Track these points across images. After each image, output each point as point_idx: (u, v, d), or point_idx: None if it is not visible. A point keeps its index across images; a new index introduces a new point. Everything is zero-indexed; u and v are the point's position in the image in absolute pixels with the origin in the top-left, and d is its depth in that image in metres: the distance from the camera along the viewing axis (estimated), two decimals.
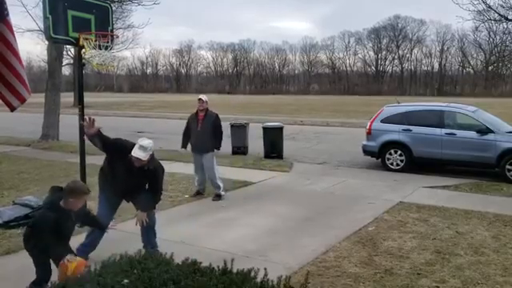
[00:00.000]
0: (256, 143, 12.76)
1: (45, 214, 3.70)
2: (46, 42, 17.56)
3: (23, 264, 4.70)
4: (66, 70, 52.18)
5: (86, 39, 5.71)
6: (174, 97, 65.75)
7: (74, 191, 3.72)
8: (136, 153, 4.42)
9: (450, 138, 9.70)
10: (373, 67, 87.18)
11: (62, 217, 3.66)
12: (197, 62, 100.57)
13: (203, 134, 7.42)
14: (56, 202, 3.73)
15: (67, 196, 3.69)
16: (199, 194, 7.76)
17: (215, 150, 7.55)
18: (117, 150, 4.65)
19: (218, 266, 2.71)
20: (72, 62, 40.20)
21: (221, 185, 7.59)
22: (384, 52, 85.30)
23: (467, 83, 77.98)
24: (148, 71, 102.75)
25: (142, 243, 4.81)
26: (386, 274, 4.49)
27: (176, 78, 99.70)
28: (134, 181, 4.64)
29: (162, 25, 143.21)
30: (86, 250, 4.62)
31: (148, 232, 4.88)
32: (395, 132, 10.30)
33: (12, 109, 5.81)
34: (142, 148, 4.43)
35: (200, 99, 7.54)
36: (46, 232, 3.56)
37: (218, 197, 7.51)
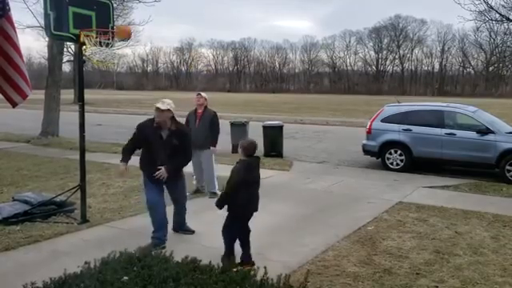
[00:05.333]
0: (256, 142, 12.74)
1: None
2: (47, 39, 17.54)
3: (22, 261, 4.71)
4: (67, 67, 52.14)
5: (87, 36, 5.69)
6: (174, 95, 65.71)
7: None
8: (157, 105, 5.00)
9: (450, 138, 9.69)
10: (373, 67, 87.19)
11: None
12: (197, 60, 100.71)
13: (201, 131, 7.40)
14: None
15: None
16: (198, 191, 7.76)
17: (211, 148, 7.53)
18: (141, 132, 5.18)
19: (218, 264, 2.71)
20: (72, 58, 40.16)
21: (216, 184, 7.59)
22: (385, 52, 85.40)
23: (468, 83, 78.01)
24: (148, 69, 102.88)
25: (174, 226, 5.59)
26: (385, 273, 4.49)
27: (176, 76, 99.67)
28: (167, 147, 5.07)
29: (162, 22, 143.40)
30: (162, 238, 5.10)
31: (181, 211, 5.61)
32: (395, 132, 10.30)
33: (14, 105, 5.79)
34: (161, 102, 5.06)
35: (198, 94, 7.59)
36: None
37: (214, 194, 7.53)
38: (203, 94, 7.71)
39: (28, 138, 14.73)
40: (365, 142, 10.88)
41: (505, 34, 21.41)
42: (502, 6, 16.43)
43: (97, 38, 5.74)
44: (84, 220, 5.97)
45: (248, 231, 4.66)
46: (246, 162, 4.59)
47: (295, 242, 5.38)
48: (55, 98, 15.07)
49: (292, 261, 4.75)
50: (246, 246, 4.63)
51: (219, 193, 7.55)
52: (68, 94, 34.55)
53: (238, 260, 4.44)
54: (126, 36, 6.12)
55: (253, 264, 4.31)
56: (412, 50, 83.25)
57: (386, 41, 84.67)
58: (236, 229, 4.62)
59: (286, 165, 10.72)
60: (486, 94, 65.64)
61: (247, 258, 4.55)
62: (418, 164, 10.13)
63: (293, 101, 48.42)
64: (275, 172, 9.83)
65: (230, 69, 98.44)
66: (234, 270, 3.69)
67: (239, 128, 12.68)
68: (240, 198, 4.44)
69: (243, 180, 4.45)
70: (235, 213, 4.57)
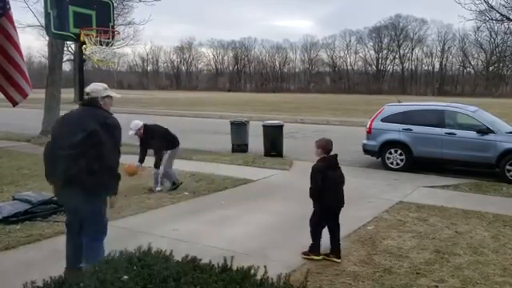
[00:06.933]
0: (256, 141, 12.76)
1: None
2: (47, 38, 17.56)
3: (22, 260, 4.71)
4: (67, 66, 52.19)
5: (87, 35, 5.70)
6: (174, 94, 65.71)
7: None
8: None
9: (451, 137, 9.69)
10: (373, 66, 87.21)
11: None
12: (197, 59, 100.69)
13: (152, 146, 7.71)
14: None
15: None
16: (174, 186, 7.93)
17: (168, 152, 7.73)
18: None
19: (218, 264, 2.70)
20: (73, 57, 40.22)
21: (159, 180, 7.79)
22: (385, 51, 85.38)
23: (468, 83, 78.01)
24: (149, 68, 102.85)
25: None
26: (385, 272, 4.49)
27: (177, 75, 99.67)
28: None
29: (163, 22, 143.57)
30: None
31: None
32: (395, 131, 10.30)
33: (14, 104, 5.79)
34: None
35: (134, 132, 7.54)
36: None
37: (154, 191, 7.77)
38: (135, 125, 7.47)
39: (28, 137, 14.73)
40: (365, 141, 10.88)
41: (505, 33, 21.47)
42: (503, 5, 16.49)
43: (97, 37, 5.75)
44: None
45: (338, 225, 4.94)
46: (325, 159, 4.91)
47: (295, 241, 5.37)
48: (55, 97, 15.07)
49: (292, 260, 4.75)
50: (335, 239, 4.88)
51: (158, 189, 7.77)
52: (68, 93, 34.56)
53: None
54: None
55: (339, 257, 4.77)
56: (412, 50, 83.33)
57: (386, 40, 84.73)
58: (324, 222, 4.90)
59: (286, 164, 10.72)
60: (486, 93, 65.60)
61: (335, 251, 4.83)
62: (418, 164, 10.13)
63: (293, 100, 48.42)
64: (275, 171, 9.83)
65: (231, 68, 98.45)
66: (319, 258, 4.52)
67: (239, 127, 12.69)
68: (328, 194, 4.82)
69: (327, 176, 4.80)
70: (324, 208, 4.88)
